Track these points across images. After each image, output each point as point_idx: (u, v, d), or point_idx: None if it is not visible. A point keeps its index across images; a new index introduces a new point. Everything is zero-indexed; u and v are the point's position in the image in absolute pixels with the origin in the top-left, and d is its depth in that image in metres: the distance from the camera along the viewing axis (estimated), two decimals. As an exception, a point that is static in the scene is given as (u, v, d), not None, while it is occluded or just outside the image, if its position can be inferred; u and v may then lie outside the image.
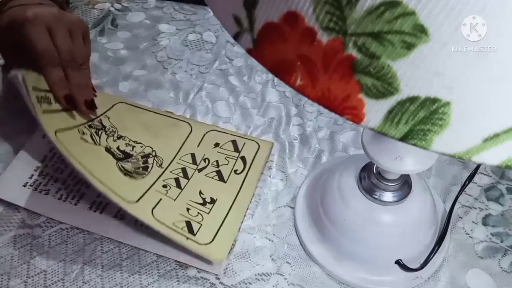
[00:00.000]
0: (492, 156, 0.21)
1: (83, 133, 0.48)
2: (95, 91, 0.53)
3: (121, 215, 0.46)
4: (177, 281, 0.42)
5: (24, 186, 0.47)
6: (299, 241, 0.45)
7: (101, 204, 0.47)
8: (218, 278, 0.43)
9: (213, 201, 0.47)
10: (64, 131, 0.46)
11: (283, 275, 0.43)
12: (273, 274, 0.43)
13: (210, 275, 0.43)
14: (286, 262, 0.44)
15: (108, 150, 0.48)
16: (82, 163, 0.42)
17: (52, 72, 0.49)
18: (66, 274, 0.43)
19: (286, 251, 0.45)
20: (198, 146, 0.52)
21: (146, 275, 0.43)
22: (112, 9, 0.68)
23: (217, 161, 0.51)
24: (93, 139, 0.48)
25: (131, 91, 0.58)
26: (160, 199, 0.45)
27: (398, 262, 0.41)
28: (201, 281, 0.43)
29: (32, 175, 0.48)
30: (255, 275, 0.43)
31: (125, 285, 0.42)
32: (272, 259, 0.44)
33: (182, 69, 0.61)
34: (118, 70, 0.60)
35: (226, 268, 0.43)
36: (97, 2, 0.68)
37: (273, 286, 0.43)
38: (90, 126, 0.50)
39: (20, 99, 0.45)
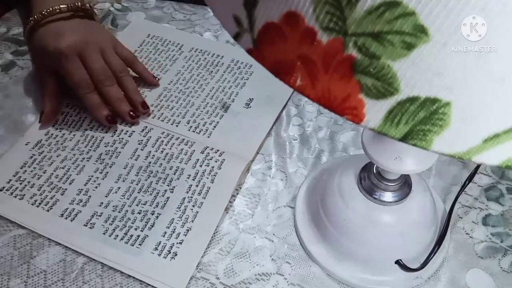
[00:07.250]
0: (492, 156, 0.21)
1: None
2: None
3: (91, 225, 0.45)
4: (177, 281, 0.42)
5: (1, 190, 0.47)
6: (299, 241, 0.45)
7: (73, 211, 0.46)
8: (218, 278, 0.43)
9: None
10: None
11: (283, 275, 0.43)
12: (273, 274, 0.43)
13: (210, 275, 0.43)
14: (286, 262, 0.44)
15: None
16: None
17: (89, 97, 0.51)
18: (66, 274, 0.43)
19: (286, 251, 0.45)
20: None
21: (146, 275, 0.43)
22: (112, 9, 0.68)
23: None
24: None
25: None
26: None
27: (398, 262, 0.41)
28: (201, 281, 0.43)
29: (10, 180, 0.48)
30: (255, 275, 0.43)
31: (125, 285, 0.42)
32: (272, 259, 0.44)
33: (182, 69, 0.61)
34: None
35: (226, 268, 0.43)
36: (97, 2, 0.68)
37: (273, 286, 0.43)
38: None
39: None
